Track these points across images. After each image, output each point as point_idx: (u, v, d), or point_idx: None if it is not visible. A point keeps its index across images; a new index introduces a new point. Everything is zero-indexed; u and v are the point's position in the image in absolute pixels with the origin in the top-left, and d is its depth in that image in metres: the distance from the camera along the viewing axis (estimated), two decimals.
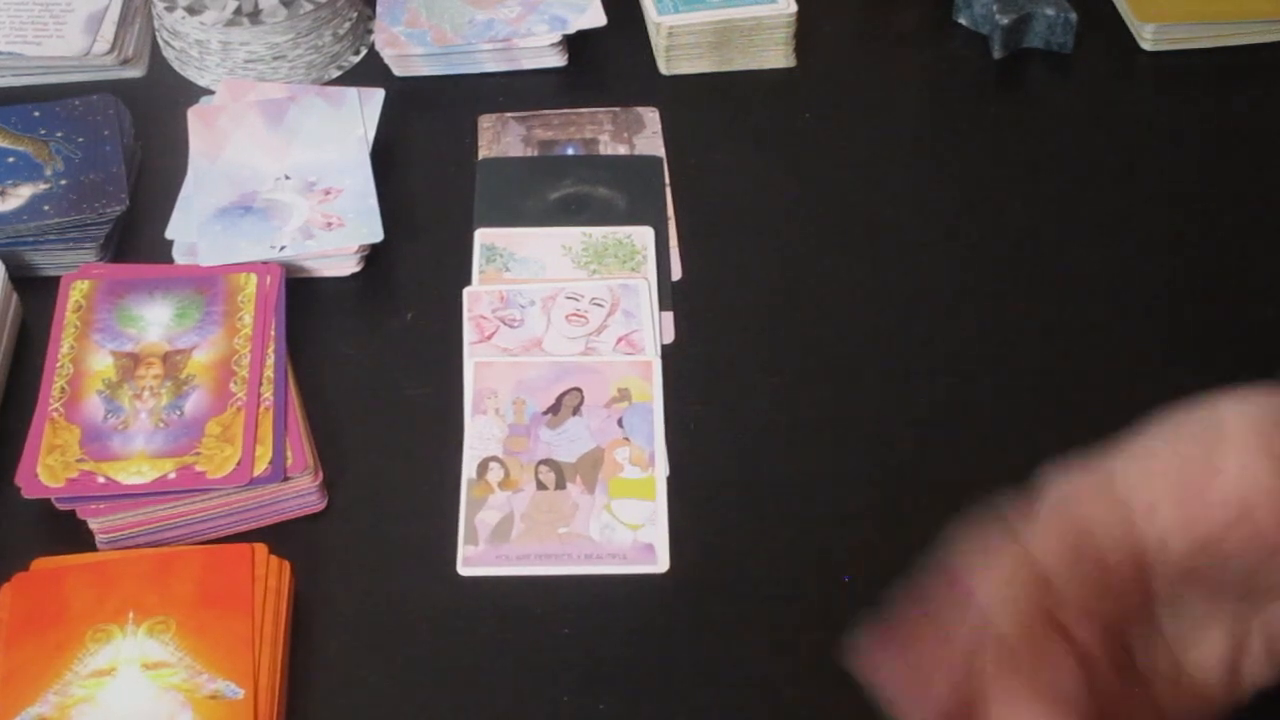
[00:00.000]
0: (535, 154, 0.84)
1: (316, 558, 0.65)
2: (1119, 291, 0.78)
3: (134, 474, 0.65)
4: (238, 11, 0.87)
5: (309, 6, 0.87)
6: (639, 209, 0.81)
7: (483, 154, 0.85)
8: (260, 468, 0.65)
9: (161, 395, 0.68)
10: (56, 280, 0.74)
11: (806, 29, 0.91)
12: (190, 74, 0.89)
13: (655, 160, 0.84)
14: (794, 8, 0.89)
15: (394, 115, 0.85)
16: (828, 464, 0.69)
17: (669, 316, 0.76)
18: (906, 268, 0.79)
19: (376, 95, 0.84)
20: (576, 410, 0.70)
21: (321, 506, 0.67)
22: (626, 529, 0.66)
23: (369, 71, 0.90)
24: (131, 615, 0.60)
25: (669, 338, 0.75)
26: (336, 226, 0.77)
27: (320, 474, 0.67)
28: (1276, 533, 0.41)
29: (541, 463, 0.68)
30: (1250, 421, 0.42)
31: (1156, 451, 0.43)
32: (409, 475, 0.69)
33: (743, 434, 0.71)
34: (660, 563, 0.65)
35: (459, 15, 0.91)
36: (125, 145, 0.82)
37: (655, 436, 0.69)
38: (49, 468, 0.65)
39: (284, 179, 0.80)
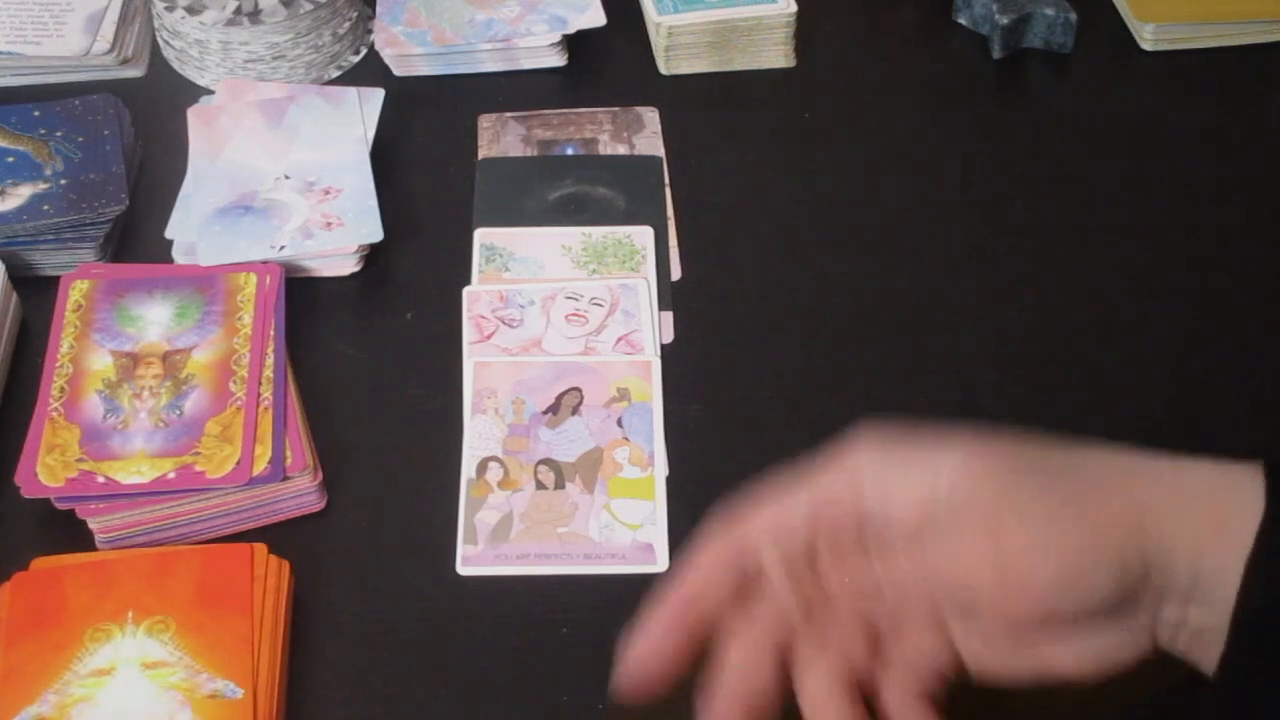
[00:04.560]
0: (535, 154, 0.84)
1: (316, 557, 0.65)
2: (1119, 291, 0.78)
3: (133, 473, 0.65)
4: (238, 11, 0.87)
5: (309, 6, 0.87)
6: (639, 209, 0.81)
7: (482, 154, 0.85)
8: (259, 467, 0.65)
9: (161, 395, 0.68)
10: (56, 280, 0.74)
11: (806, 29, 0.91)
12: (190, 74, 0.89)
13: (655, 160, 0.84)
14: (794, 8, 0.89)
15: (394, 115, 0.85)
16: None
17: (668, 316, 0.76)
18: (906, 267, 0.79)
19: (376, 95, 0.84)
20: (576, 410, 0.70)
21: (321, 506, 0.67)
22: (626, 529, 0.66)
23: (369, 71, 0.90)
24: (131, 615, 0.60)
25: (668, 337, 0.75)
26: (336, 226, 0.77)
27: (319, 473, 0.67)
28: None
29: (541, 462, 0.68)
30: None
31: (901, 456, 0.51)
32: (409, 475, 0.69)
33: (743, 434, 0.70)
34: (660, 562, 0.65)
35: (459, 15, 0.91)
36: (125, 145, 0.82)
37: (655, 436, 0.69)
38: (48, 467, 0.65)
39: (284, 179, 0.80)
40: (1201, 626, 0.53)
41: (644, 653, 0.51)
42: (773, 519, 0.50)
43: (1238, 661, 0.50)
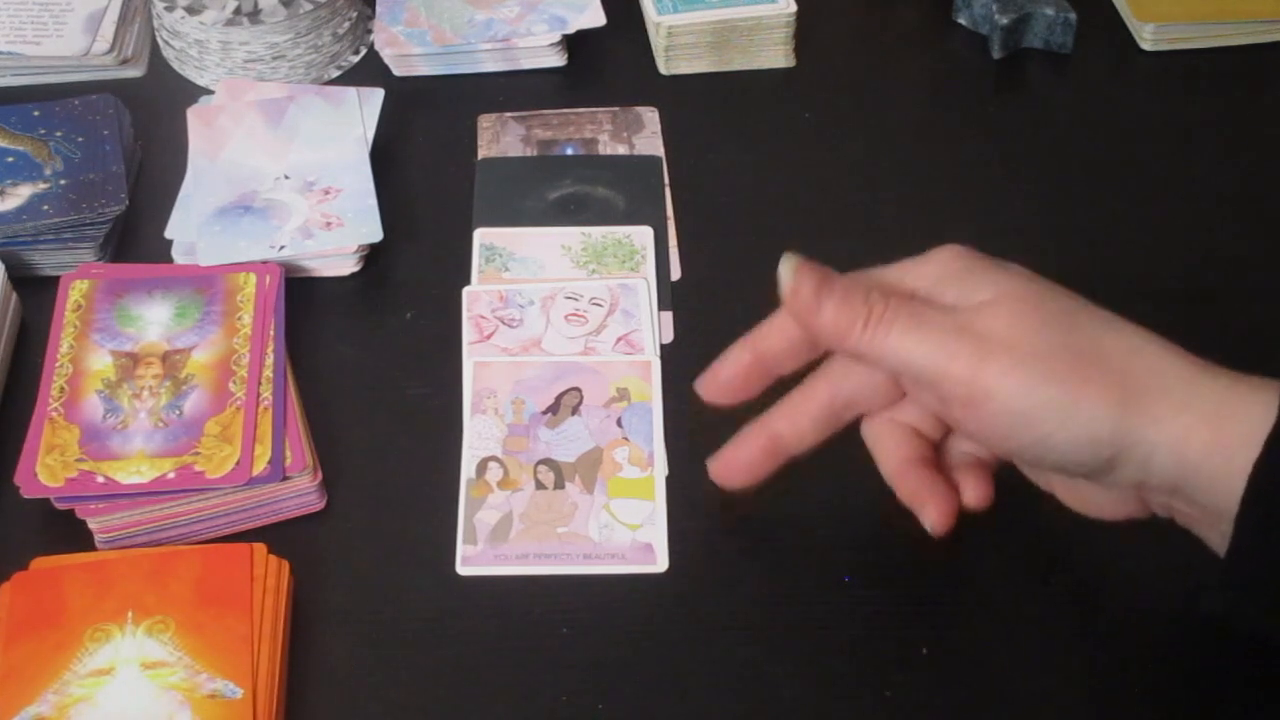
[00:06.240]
0: (535, 154, 0.84)
1: (316, 557, 0.65)
2: (1118, 292, 0.78)
3: (133, 473, 0.65)
4: (237, 11, 0.87)
5: (308, 6, 0.87)
6: (638, 209, 0.81)
7: (482, 154, 0.85)
8: (259, 467, 0.65)
9: (161, 395, 0.68)
10: (56, 280, 0.74)
11: (806, 29, 0.91)
12: (190, 74, 0.89)
13: (655, 160, 0.84)
14: (794, 7, 0.89)
15: (394, 115, 0.85)
16: (827, 464, 0.69)
17: (668, 316, 0.76)
18: None
19: (376, 95, 0.84)
20: (575, 410, 0.70)
21: (320, 506, 0.67)
22: (625, 529, 0.66)
23: (369, 71, 0.90)
24: (130, 615, 0.60)
25: (668, 337, 0.75)
26: (336, 226, 0.77)
27: (319, 473, 0.67)
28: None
29: (540, 462, 0.68)
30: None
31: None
32: (408, 475, 0.69)
33: None
34: (659, 562, 0.65)
35: (459, 15, 0.91)
36: (125, 145, 0.82)
37: (654, 436, 0.69)
38: (48, 467, 0.65)
39: (283, 179, 0.80)
40: (1191, 516, 0.57)
41: (716, 364, 0.62)
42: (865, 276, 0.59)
43: (1243, 557, 0.52)
